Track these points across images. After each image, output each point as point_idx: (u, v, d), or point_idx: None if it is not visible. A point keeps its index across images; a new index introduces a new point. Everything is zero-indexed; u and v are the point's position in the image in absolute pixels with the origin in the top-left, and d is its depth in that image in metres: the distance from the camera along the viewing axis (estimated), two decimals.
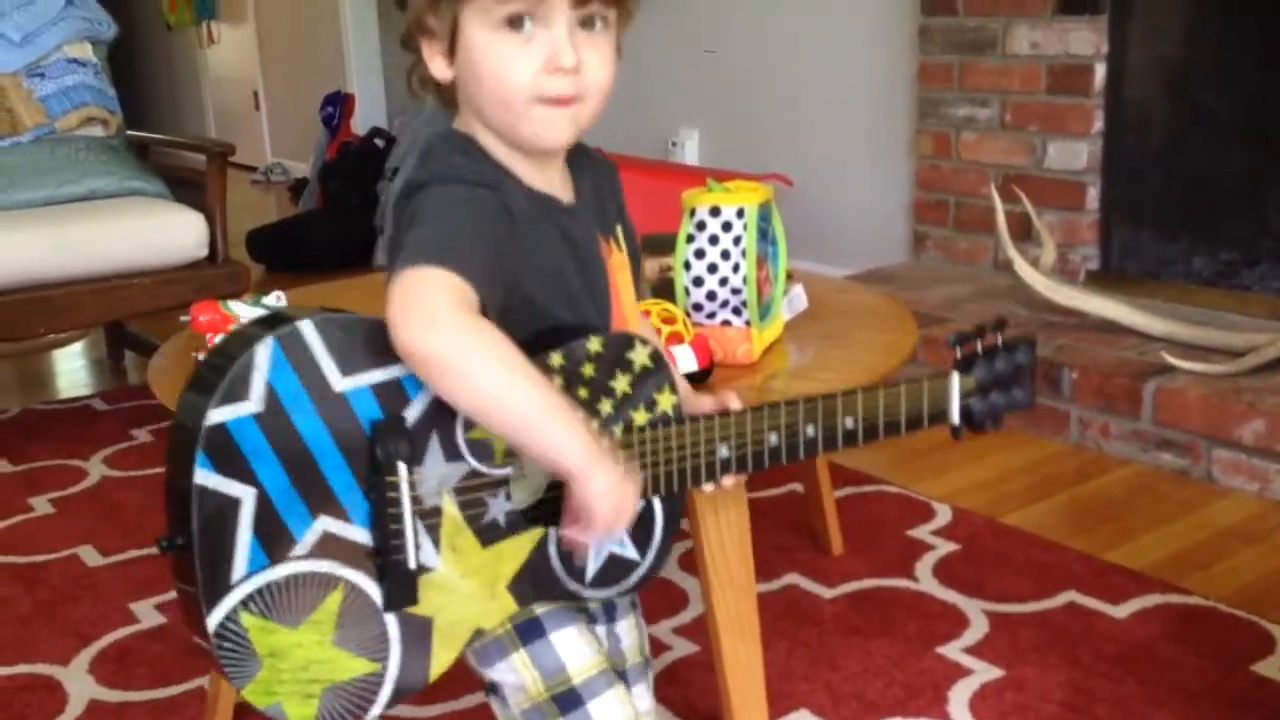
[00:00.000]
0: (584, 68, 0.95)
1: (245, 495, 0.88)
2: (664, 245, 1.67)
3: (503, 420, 0.88)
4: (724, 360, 1.52)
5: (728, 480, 1.05)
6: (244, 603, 0.89)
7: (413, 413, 0.92)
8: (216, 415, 0.86)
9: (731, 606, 1.49)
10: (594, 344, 0.97)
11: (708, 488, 1.05)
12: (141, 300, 2.70)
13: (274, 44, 6.38)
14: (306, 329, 0.88)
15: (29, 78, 3.01)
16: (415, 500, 0.93)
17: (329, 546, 0.91)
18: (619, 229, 1.09)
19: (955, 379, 1.12)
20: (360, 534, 0.92)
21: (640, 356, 1.00)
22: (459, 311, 0.85)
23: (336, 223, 4.41)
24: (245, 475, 0.88)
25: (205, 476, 0.87)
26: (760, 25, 3.69)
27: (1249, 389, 2.25)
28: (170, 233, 2.74)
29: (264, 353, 0.87)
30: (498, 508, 0.96)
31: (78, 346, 3.51)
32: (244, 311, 1.60)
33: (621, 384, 0.99)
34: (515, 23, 0.93)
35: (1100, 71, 2.84)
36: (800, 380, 1.56)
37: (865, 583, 1.92)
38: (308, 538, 0.91)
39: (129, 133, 3.20)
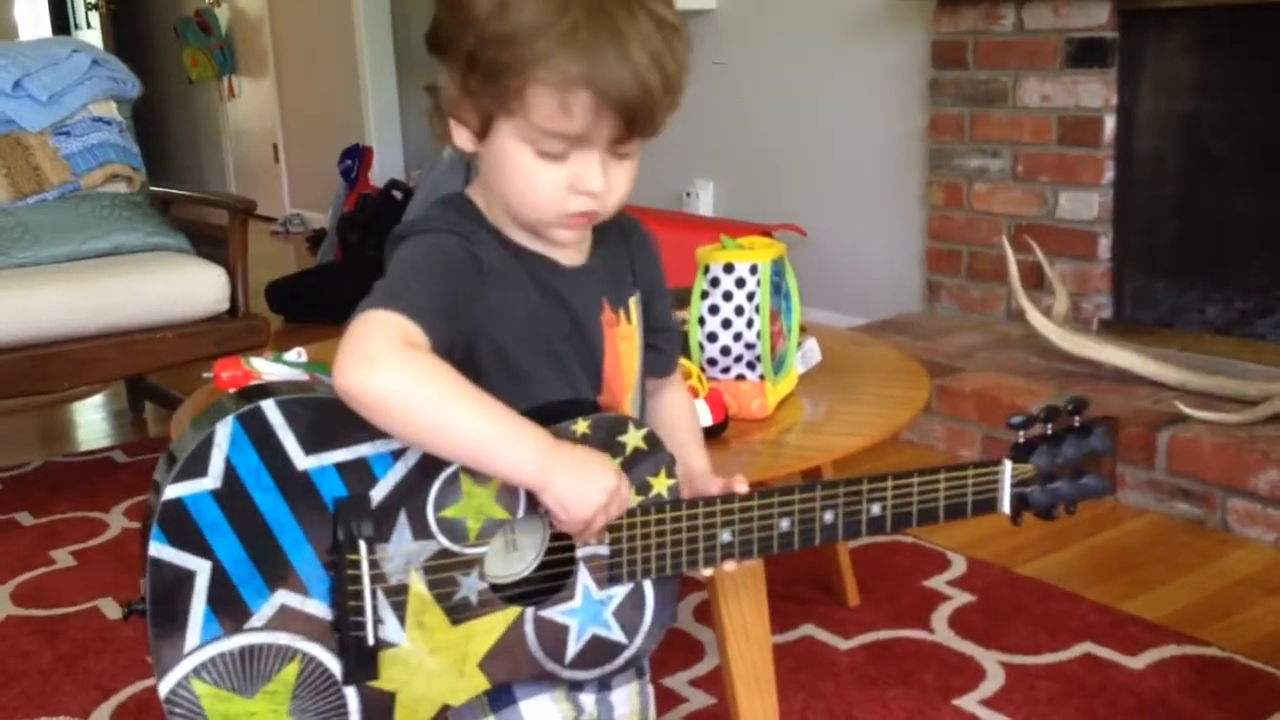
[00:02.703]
0: (609, 188, 0.95)
1: (200, 568, 0.90)
2: (679, 300, 1.70)
3: (451, 448, 0.89)
4: (738, 414, 1.53)
5: (729, 565, 1.03)
6: (196, 671, 0.92)
7: (380, 491, 0.93)
8: (173, 490, 0.89)
9: (747, 658, 1.50)
10: (581, 426, 0.96)
11: (706, 572, 1.04)
12: (164, 354, 2.73)
13: (294, 98, 6.47)
14: (269, 408, 0.90)
15: (55, 136, 3.07)
16: (380, 578, 0.94)
17: (286, 619, 0.93)
18: (632, 301, 1.07)
19: (1008, 468, 1.08)
20: (319, 608, 0.94)
21: (634, 439, 0.98)
22: (395, 348, 0.86)
23: (355, 274, 4.45)
24: (200, 549, 0.90)
25: (159, 549, 0.89)
26: (773, 77, 3.74)
27: (1264, 438, 2.25)
28: (192, 287, 2.78)
29: (224, 431, 0.89)
30: (470, 586, 0.96)
31: (98, 398, 3.55)
32: (265, 368, 1.63)
33: None
34: (554, 155, 0.93)
35: (1110, 123, 2.87)
36: (814, 434, 1.58)
37: (881, 634, 1.92)
38: (264, 610, 0.92)
39: (152, 188, 3.25)
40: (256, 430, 0.90)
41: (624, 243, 1.08)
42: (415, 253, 0.94)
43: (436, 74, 0.98)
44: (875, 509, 1.04)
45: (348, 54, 5.84)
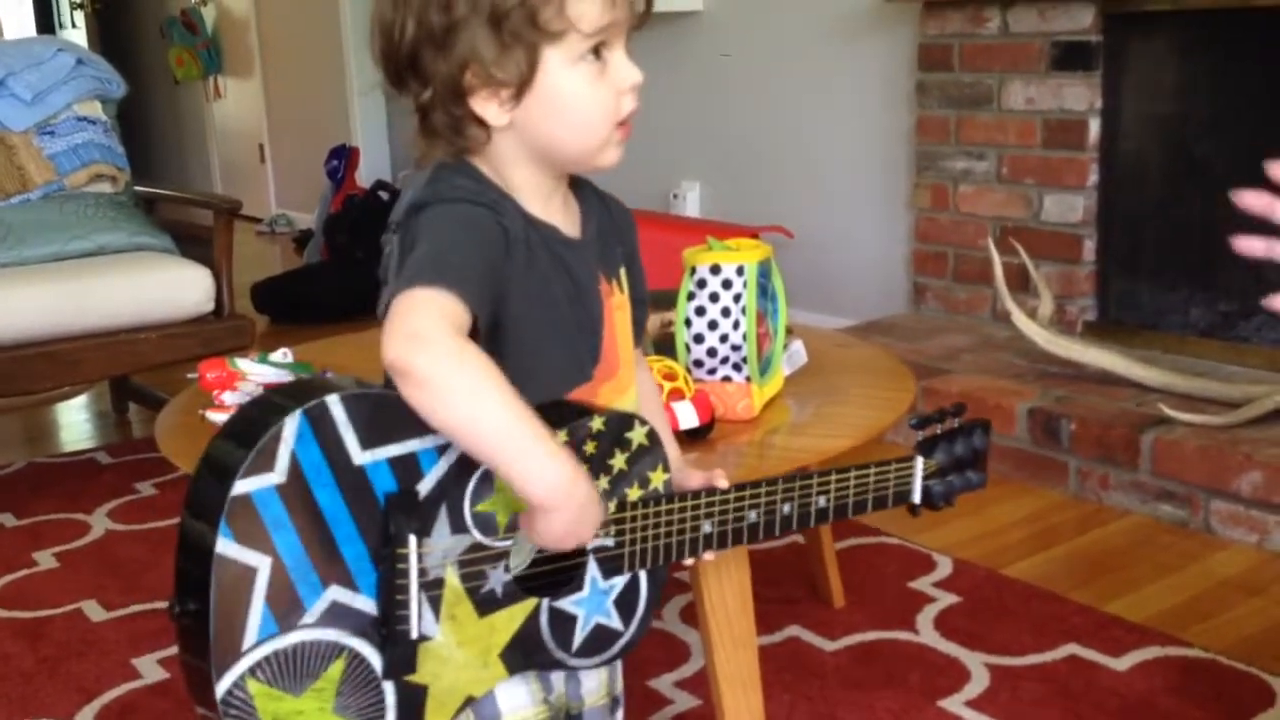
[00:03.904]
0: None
1: (261, 564, 0.89)
2: (665, 301, 1.70)
3: (474, 444, 0.89)
4: (724, 416, 1.53)
5: (708, 555, 1.07)
6: (252, 670, 0.90)
7: (425, 486, 0.93)
8: (242, 486, 0.88)
9: (733, 659, 1.50)
10: (597, 423, 0.99)
11: (688, 562, 1.07)
12: (148, 355, 2.72)
13: (280, 98, 6.46)
14: (333, 403, 0.89)
15: (39, 136, 3.05)
16: (421, 572, 0.94)
17: (336, 615, 0.93)
18: (622, 272, 1.11)
19: (919, 462, 1.17)
20: (366, 603, 0.94)
21: (638, 436, 1.01)
22: (446, 332, 0.86)
23: (341, 275, 4.45)
24: (263, 545, 0.89)
25: (225, 545, 0.88)
26: (760, 79, 3.75)
27: (1247, 440, 2.27)
28: (177, 288, 2.77)
29: (291, 426, 0.88)
30: (496, 579, 0.98)
31: (82, 399, 3.53)
32: (251, 369, 1.63)
33: (619, 461, 1.00)
34: (596, 52, 0.97)
35: (1095, 126, 2.88)
36: (800, 436, 1.58)
37: (867, 635, 1.93)
38: (317, 606, 0.92)
39: (137, 188, 3.24)
40: (321, 425, 0.89)
41: (607, 215, 1.11)
42: (448, 225, 0.95)
43: (415, 92, 0.98)
44: (821, 501, 1.11)
45: (334, 54, 5.83)
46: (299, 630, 0.91)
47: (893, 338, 3.07)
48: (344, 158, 5.30)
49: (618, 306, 1.08)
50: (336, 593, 0.93)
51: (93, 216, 2.91)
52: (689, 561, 1.07)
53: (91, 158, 3.10)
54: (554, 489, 0.90)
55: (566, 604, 1.02)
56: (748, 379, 1.54)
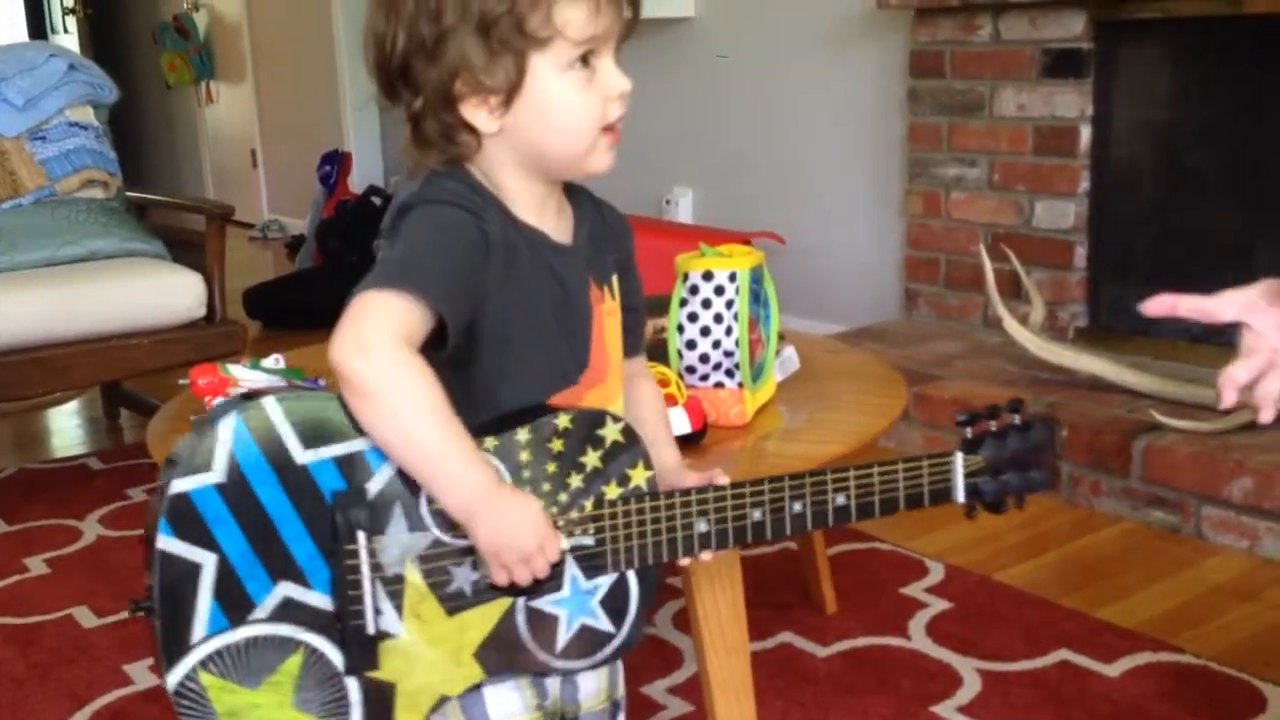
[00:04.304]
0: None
1: (206, 561, 0.94)
2: (657, 307, 1.70)
3: (401, 458, 0.93)
4: (717, 422, 1.54)
5: (706, 555, 1.06)
6: (203, 663, 0.94)
7: (376, 484, 0.96)
8: (180, 485, 0.93)
9: (725, 666, 1.50)
10: (563, 420, 0.99)
11: (684, 562, 1.06)
12: (140, 360, 2.72)
13: (272, 103, 6.45)
14: (269, 405, 0.94)
15: (31, 141, 3.05)
16: (377, 568, 0.96)
17: (289, 611, 0.96)
18: (614, 278, 1.11)
19: (959, 458, 1.11)
20: (321, 599, 0.96)
21: (611, 432, 1.01)
22: (390, 343, 0.89)
23: (333, 280, 4.41)
24: (207, 542, 0.93)
25: (167, 542, 0.93)
26: (753, 85, 3.75)
27: (1237, 446, 2.27)
28: (169, 293, 2.77)
29: (227, 427, 0.93)
30: (463, 577, 0.98)
31: (73, 405, 3.52)
32: (243, 374, 1.62)
33: (592, 459, 1.00)
34: (585, 60, 0.98)
35: (1086, 133, 2.89)
36: (792, 442, 1.58)
37: (859, 641, 1.93)
38: (268, 602, 0.95)
39: (128, 194, 3.23)
40: (258, 426, 0.93)
41: (601, 221, 1.11)
42: (427, 227, 0.96)
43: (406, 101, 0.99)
44: (840, 499, 1.07)
45: (326, 59, 5.82)
46: (250, 625, 0.95)
47: (885, 344, 3.07)
48: (336, 163, 5.30)
49: (608, 313, 1.09)
50: (288, 589, 0.95)
51: (84, 222, 2.91)
52: (684, 562, 1.06)
53: (83, 163, 3.09)
54: (470, 499, 0.92)
55: (545, 604, 1.01)
56: (740, 385, 1.54)
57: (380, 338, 0.89)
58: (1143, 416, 2.43)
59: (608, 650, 1.04)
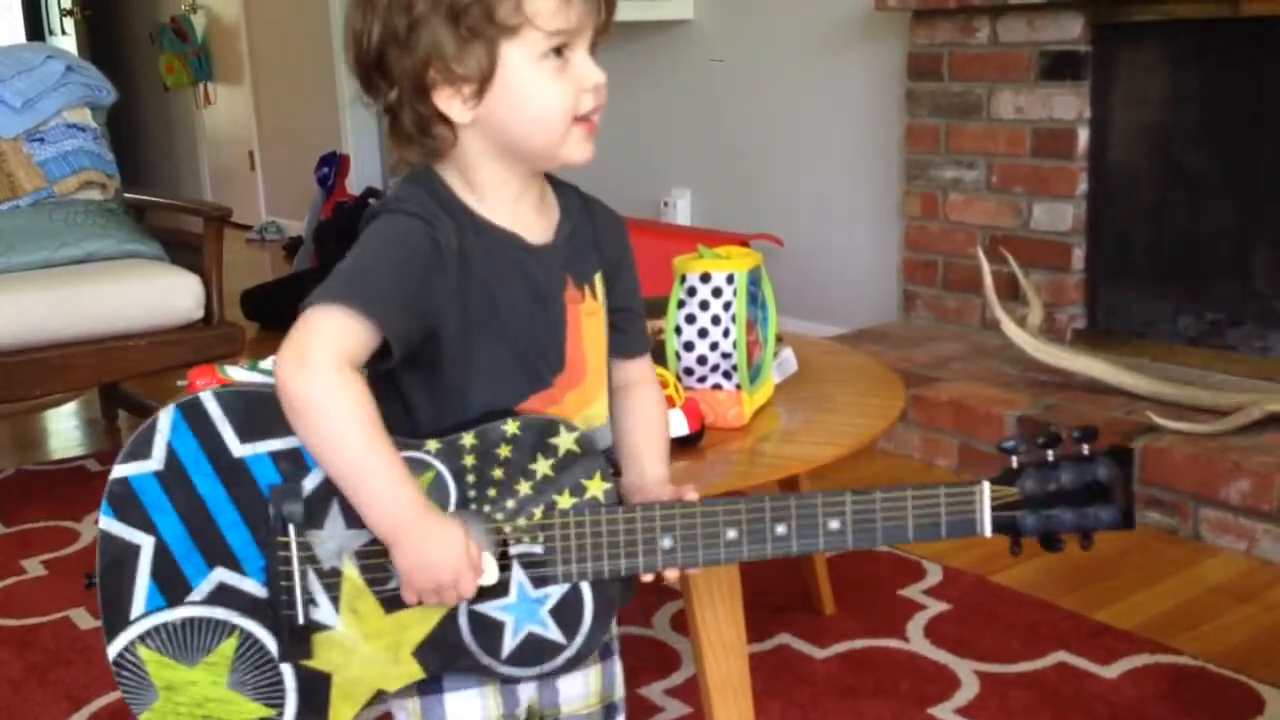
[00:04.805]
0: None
1: (144, 542, 0.99)
2: (655, 309, 1.70)
3: (331, 471, 0.95)
4: (714, 424, 1.54)
5: (671, 573, 1.03)
6: (141, 638, 1.00)
7: (312, 480, 0.98)
8: (120, 470, 0.99)
9: (723, 667, 1.50)
10: (511, 426, 0.99)
11: (647, 578, 1.04)
12: (138, 362, 2.72)
13: (270, 105, 6.45)
14: (206, 398, 0.98)
15: (29, 143, 3.05)
16: (313, 560, 0.99)
17: (224, 595, 1.00)
18: (597, 278, 1.08)
19: (985, 488, 1.03)
20: (255, 587, 1.00)
21: (565, 441, 1.00)
22: (330, 361, 0.91)
23: None
24: (144, 525, 0.99)
25: (107, 523, 0.99)
26: (751, 87, 3.76)
27: (1235, 448, 2.27)
28: (166, 295, 2.77)
29: (165, 418, 0.98)
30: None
31: (71, 406, 3.52)
32: (240, 376, 1.62)
33: (542, 467, 0.99)
34: (558, 50, 0.98)
35: (1084, 135, 2.90)
36: (790, 443, 1.58)
37: (857, 643, 1.93)
38: (203, 586, 1.00)
39: (126, 195, 3.23)
40: (195, 418, 0.98)
41: (588, 219, 1.10)
42: (379, 239, 0.98)
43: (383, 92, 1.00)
44: (833, 524, 1.02)
45: (324, 61, 5.82)
46: (186, 606, 1.00)
47: (883, 346, 3.08)
48: (334, 165, 5.30)
49: (587, 313, 1.07)
50: (223, 574, 1.00)
51: (82, 224, 2.91)
52: (647, 578, 1.03)
53: (81, 165, 3.09)
54: (394, 522, 0.94)
55: (490, 609, 1.01)
56: (738, 387, 1.54)
57: (320, 354, 0.91)
58: (1140, 418, 2.43)
59: (558, 661, 1.02)
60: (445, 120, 1.00)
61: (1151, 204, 2.92)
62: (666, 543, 1.02)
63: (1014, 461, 1.03)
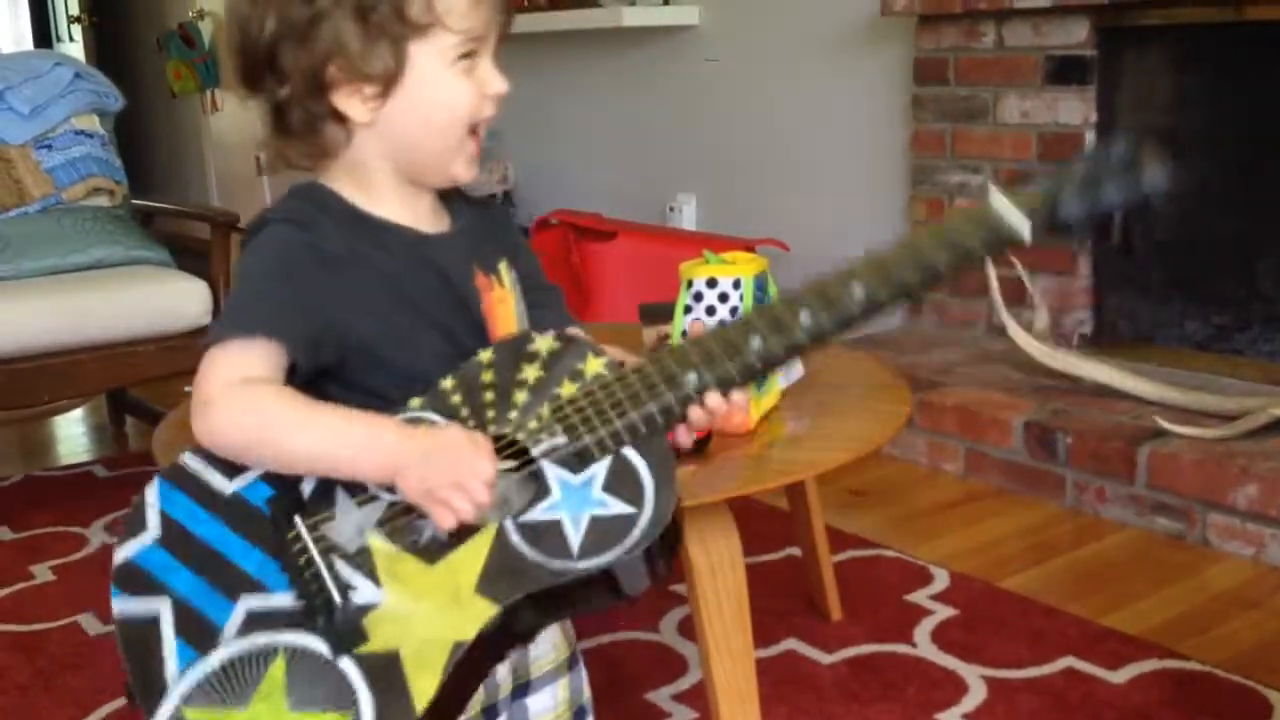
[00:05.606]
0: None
1: (162, 605, 0.96)
2: (662, 314, 1.70)
3: (306, 466, 0.93)
4: (721, 429, 1.54)
5: (714, 400, 0.96)
6: (185, 701, 0.94)
7: (309, 483, 0.96)
8: (121, 554, 0.96)
9: (730, 672, 1.50)
10: (485, 354, 0.97)
11: (692, 422, 0.97)
12: (146, 367, 2.72)
13: None
14: (187, 458, 0.97)
15: (37, 149, 3.06)
16: (334, 549, 0.95)
17: (257, 622, 0.95)
18: (502, 266, 1.07)
19: (994, 191, 0.97)
20: (285, 598, 0.95)
21: (543, 344, 0.97)
22: (226, 389, 0.90)
23: None
24: (157, 590, 0.96)
25: (120, 605, 0.96)
26: (757, 92, 3.76)
27: (1242, 453, 2.27)
28: (174, 301, 2.77)
29: (152, 491, 0.97)
30: (432, 525, 0.94)
31: (79, 412, 3.53)
32: None
33: (531, 372, 0.96)
34: (467, 55, 0.97)
35: (1089, 139, 2.90)
36: (797, 449, 1.58)
37: (864, 648, 1.93)
38: (232, 622, 0.95)
39: (134, 201, 3.24)
40: (180, 480, 0.97)
41: (481, 213, 1.09)
42: (254, 256, 0.97)
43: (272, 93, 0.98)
44: (857, 291, 0.95)
45: None
46: (220, 649, 0.94)
47: (889, 351, 3.08)
48: None
49: (498, 300, 1.05)
50: (248, 602, 0.95)
51: (90, 230, 2.92)
52: (693, 420, 0.96)
53: (89, 171, 3.10)
54: (380, 458, 0.91)
55: (538, 514, 0.95)
56: (745, 392, 1.54)
57: (216, 388, 0.91)
58: (1148, 423, 2.43)
59: (636, 533, 0.93)
60: (340, 120, 0.97)
61: (1158, 208, 2.91)
62: (692, 377, 0.95)
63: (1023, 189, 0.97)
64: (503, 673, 1.07)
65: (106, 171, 3.14)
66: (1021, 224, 0.96)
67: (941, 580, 2.16)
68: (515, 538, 0.94)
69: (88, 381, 2.72)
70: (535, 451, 0.95)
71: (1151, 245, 2.93)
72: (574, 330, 1.06)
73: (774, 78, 3.70)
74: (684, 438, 1.00)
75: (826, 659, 1.90)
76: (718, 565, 1.47)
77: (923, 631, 1.97)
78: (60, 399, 2.87)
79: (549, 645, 1.12)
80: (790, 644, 1.94)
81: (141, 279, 2.82)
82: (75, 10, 7.51)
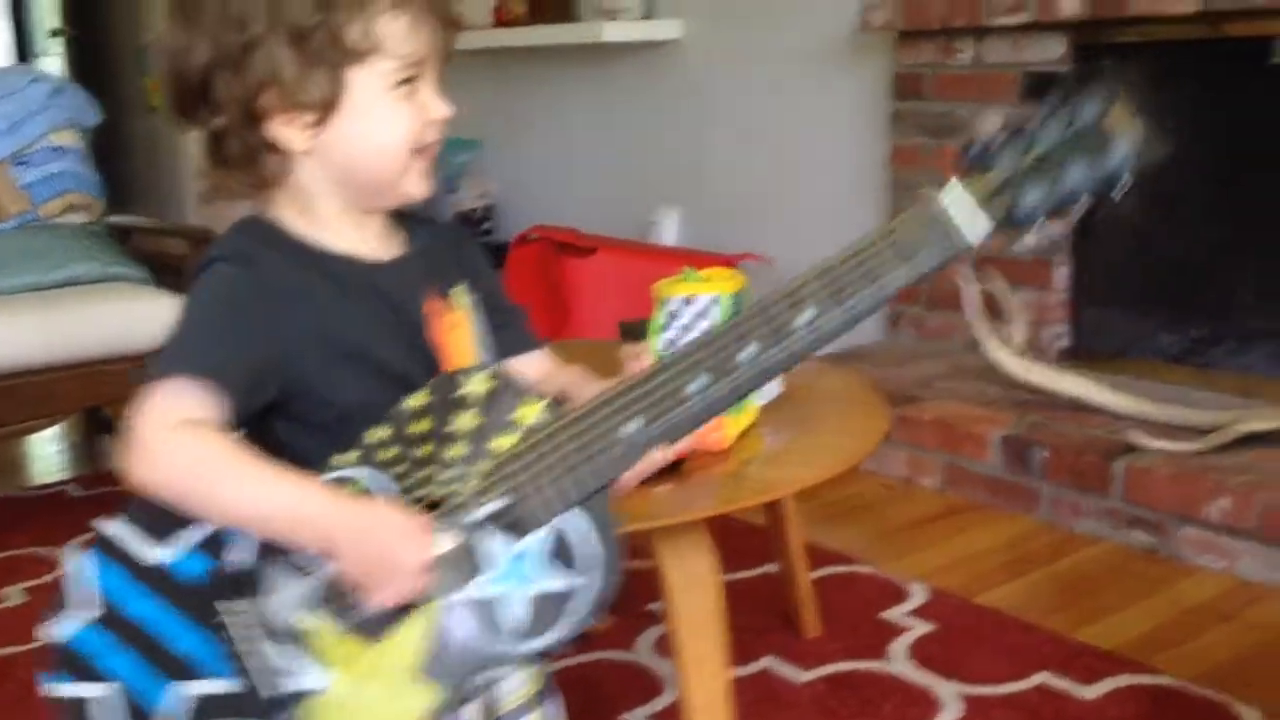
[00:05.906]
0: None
1: (91, 692, 0.93)
2: (641, 331, 1.70)
3: (237, 522, 0.90)
4: (697, 447, 1.54)
5: (659, 454, 0.91)
6: None
7: (241, 551, 0.92)
8: (57, 632, 0.94)
9: (705, 691, 1.50)
10: (414, 400, 0.92)
11: (628, 481, 0.93)
12: (122, 386, 2.70)
13: None
14: (110, 527, 0.94)
15: (14, 165, 3.05)
16: (272, 631, 0.92)
17: (209, 707, 0.92)
18: (458, 288, 1.04)
19: (954, 184, 0.87)
20: (230, 684, 0.92)
21: (475, 385, 0.92)
22: (164, 435, 0.86)
23: None
24: (95, 676, 0.93)
25: (61, 688, 0.94)
26: (738, 107, 3.77)
27: (1216, 467, 2.29)
28: (151, 318, 2.74)
29: (87, 563, 0.94)
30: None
31: (53, 431, 3.49)
32: None
33: (466, 420, 0.91)
34: (408, 80, 0.95)
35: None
36: (774, 466, 1.58)
37: (840, 665, 1.93)
38: (182, 708, 0.92)
39: (111, 218, 3.23)
40: (109, 551, 0.94)
41: (439, 235, 1.07)
42: (196, 296, 0.94)
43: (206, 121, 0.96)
44: (807, 313, 0.89)
45: None
46: None
47: (867, 365, 3.08)
48: None
49: (451, 325, 1.02)
50: (196, 687, 0.92)
51: (67, 247, 2.90)
52: (628, 479, 0.92)
53: (66, 187, 3.09)
54: (318, 527, 0.87)
55: (482, 590, 0.90)
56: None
57: (154, 434, 0.86)
58: (1123, 437, 2.44)
59: (583, 607, 0.90)
60: (277, 150, 0.95)
61: (1134, 223, 2.94)
62: (631, 427, 0.88)
63: (978, 149, 0.85)
64: (471, 712, 1.02)
65: (83, 187, 3.13)
66: (979, 224, 0.87)
67: (919, 596, 2.16)
68: (457, 615, 0.91)
69: (64, 400, 2.70)
70: (475, 517, 0.91)
71: (1127, 260, 2.95)
72: (513, 364, 1.04)
73: (756, 92, 3.71)
74: (659, 455, 0.94)
75: (803, 676, 1.90)
76: (694, 583, 1.47)
77: (899, 648, 1.98)
78: (36, 418, 2.85)
79: (519, 679, 1.07)
80: (767, 662, 1.94)
81: (118, 296, 2.80)
82: (55, 24, 7.49)
